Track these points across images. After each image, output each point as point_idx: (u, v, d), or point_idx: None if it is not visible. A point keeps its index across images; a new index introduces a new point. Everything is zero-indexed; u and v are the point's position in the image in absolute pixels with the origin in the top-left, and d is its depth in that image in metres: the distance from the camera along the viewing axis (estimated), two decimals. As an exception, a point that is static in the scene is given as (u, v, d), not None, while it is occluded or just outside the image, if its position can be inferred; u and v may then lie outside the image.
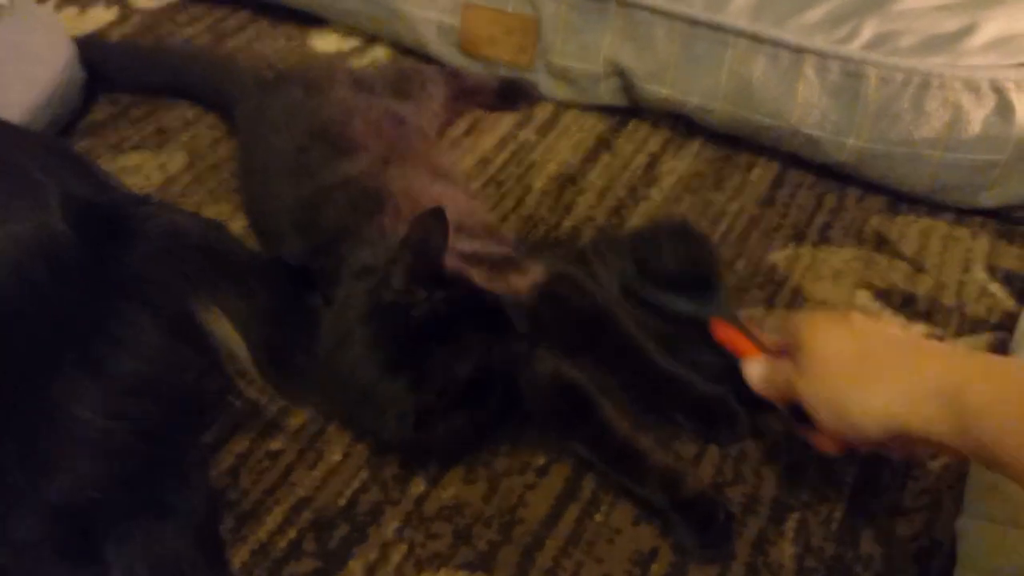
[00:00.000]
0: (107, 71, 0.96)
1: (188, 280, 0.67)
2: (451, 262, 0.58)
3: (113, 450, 0.56)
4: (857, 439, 0.52)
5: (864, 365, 0.50)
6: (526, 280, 0.63)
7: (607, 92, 0.92)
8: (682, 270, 0.67)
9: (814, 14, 0.82)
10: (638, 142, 0.91)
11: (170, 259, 0.66)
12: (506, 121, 0.94)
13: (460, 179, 0.80)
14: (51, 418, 0.54)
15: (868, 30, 0.80)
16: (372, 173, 0.68)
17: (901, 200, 0.83)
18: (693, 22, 0.84)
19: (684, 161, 0.89)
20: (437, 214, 0.56)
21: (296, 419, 0.65)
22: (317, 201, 0.68)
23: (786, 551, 0.57)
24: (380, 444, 0.63)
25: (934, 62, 0.77)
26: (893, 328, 0.58)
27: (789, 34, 0.81)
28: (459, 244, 0.61)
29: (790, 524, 0.59)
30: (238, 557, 0.57)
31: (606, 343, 0.63)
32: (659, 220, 0.80)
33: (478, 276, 0.59)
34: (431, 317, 0.56)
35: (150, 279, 0.64)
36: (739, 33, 0.82)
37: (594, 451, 0.60)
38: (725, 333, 0.62)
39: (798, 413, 0.55)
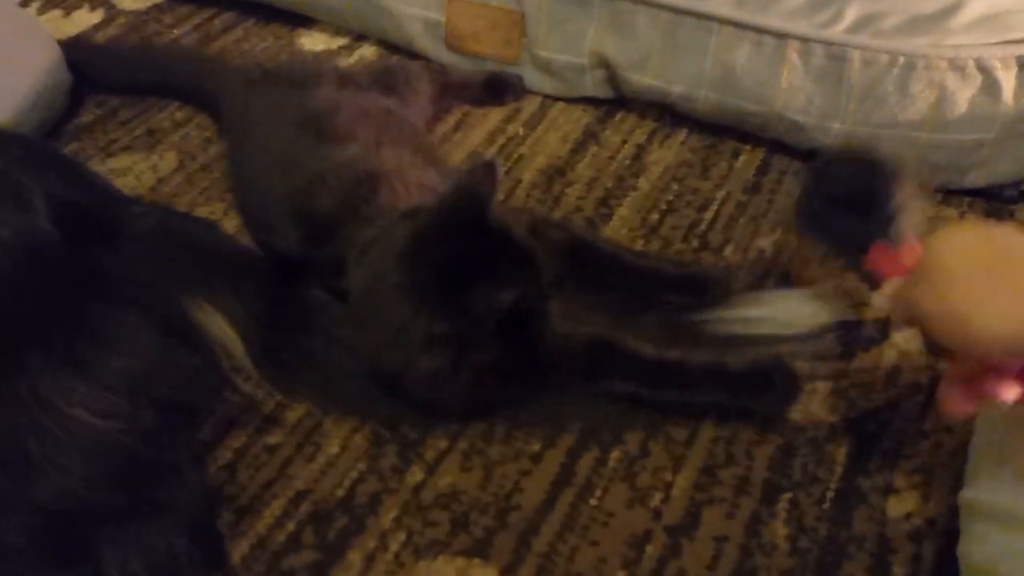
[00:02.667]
0: (94, 73, 0.96)
1: (179, 278, 0.67)
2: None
3: (105, 449, 0.56)
4: (972, 355, 0.48)
5: (993, 280, 0.45)
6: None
7: (592, 84, 0.93)
8: (859, 193, 0.62)
9: None
10: (625, 133, 0.92)
11: (159, 258, 0.67)
12: (494, 116, 0.94)
13: (447, 163, 0.81)
14: (38, 417, 0.54)
15: (851, 12, 0.80)
16: (364, 157, 0.69)
17: (887, 183, 0.84)
18: (676, 10, 0.84)
19: (670, 151, 0.90)
20: (489, 166, 0.59)
21: (293, 413, 0.66)
22: (310, 189, 0.68)
23: (779, 532, 0.58)
24: (397, 404, 0.63)
25: (918, 43, 0.78)
26: None
27: (773, 20, 0.81)
28: None
29: (782, 505, 0.59)
30: (238, 551, 0.57)
31: (592, 261, 0.69)
32: (844, 148, 0.75)
33: None
34: (471, 258, 0.57)
35: (139, 279, 0.65)
36: (723, 20, 0.83)
37: (631, 379, 0.63)
38: (879, 256, 0.57)
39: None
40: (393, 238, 0.60)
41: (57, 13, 1.10)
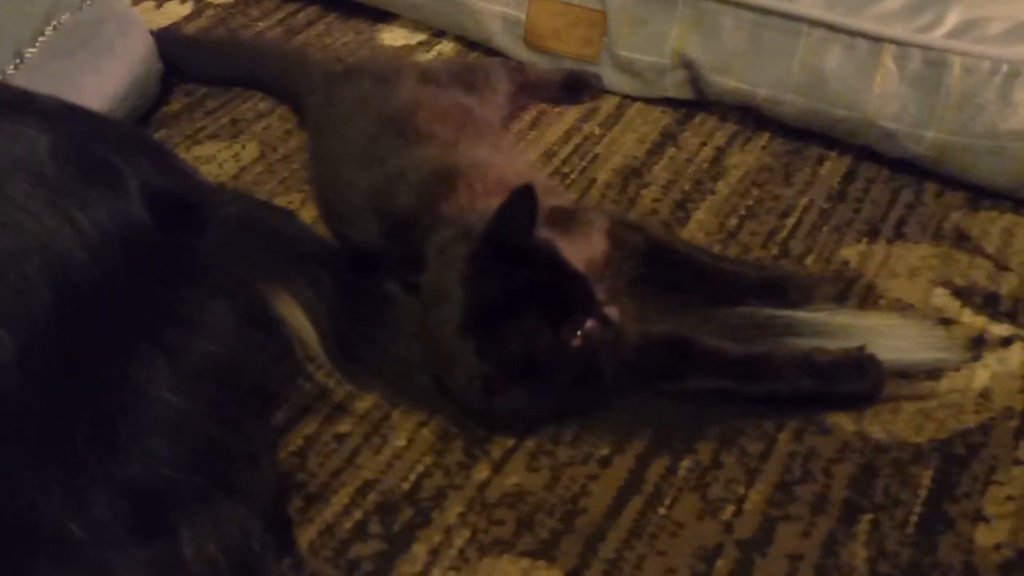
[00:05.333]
0: (183, 63, 0.99)
1: (260, 267, 0.68)
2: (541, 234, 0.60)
3: (187, 431, 0.57)
4: None
5: None
6: (595, 233, 0.65)
7: (673, 85, 0.91)
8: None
9: (894, 2, 0.79)
10: (704, 135, 0.90)
11: (243, 247, 0.68)
12: (571, 114, 0.94)
13: (524, 157, 0.80)
14: (128, 399, 0.56)
15: (952, 17, 0.77)
16: (444, 155, 0.69)
17: (983, 195, 0.80)
18: (763, 11, 0.82)
19: (751, 155, 0.87)
20: (526, 192, 0.58)
21: (362, 404, 0.66)
22: (391, 184, 0.69)
23: (858, 554, 0.56)
24: (457, 409, 0.63)
25: (1023, 50, 0.74)
26: None
27: (867, 22, 0.78)
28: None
29: (862, 526, 0.57)
30: (305, 537, 0.58)
31: (670, 263, 0.70)
32: None
33: (553, 234, 0.60)
34: (516, 290, 0.57)
35: (224, 266, 0.66)
36: (813, 22, 0.80)
37: (712, 375, 0.62)
38: None
39: None
40: (451, 258, 0.61)
41: (149, 4, 1.14)
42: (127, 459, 0.54)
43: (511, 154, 0.76)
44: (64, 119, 0.63)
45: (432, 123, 0.74)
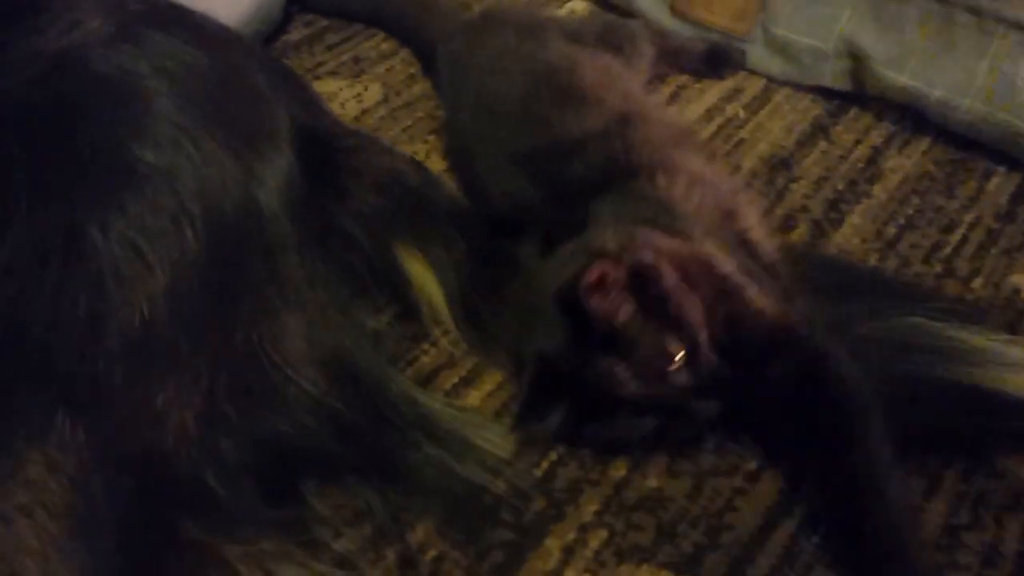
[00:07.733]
0: (307, -9, 0.94)
1: (393, 221, 0.64)
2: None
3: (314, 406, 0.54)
4: None
5: None
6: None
7: (832, 73, 0.84)
8: None
9: (1108, 10, 0.71)
10: (859, 132, 0.83)
11: (380, 199, 0.64)
12: (712, 92, 0.88)
13: (698, 141, 0.72)
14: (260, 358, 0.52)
15: None
16: (618, 132, 0.63)
17: None
18: (956, 5, 0.75)
19: (911, 159, 0.81)
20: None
21: (491, 377, 0.62)
22: (562, 153, 0.63)
23: (1032, 615, 0.51)
24: None
25: None
26: None
27: (1076, 30, 0.71)
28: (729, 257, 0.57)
29: (1037, 585, 0.52)
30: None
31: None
32: None
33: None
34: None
35: (360, 217, 0.63)
36: (1013, 24, 0.73)
37: None
38: None
39: None
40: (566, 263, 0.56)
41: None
42: (258, 414, 0.51)
43: (689, 137, 0.69)
44: (218, 40, 0.59)
45: (594, 87, 0.68)
